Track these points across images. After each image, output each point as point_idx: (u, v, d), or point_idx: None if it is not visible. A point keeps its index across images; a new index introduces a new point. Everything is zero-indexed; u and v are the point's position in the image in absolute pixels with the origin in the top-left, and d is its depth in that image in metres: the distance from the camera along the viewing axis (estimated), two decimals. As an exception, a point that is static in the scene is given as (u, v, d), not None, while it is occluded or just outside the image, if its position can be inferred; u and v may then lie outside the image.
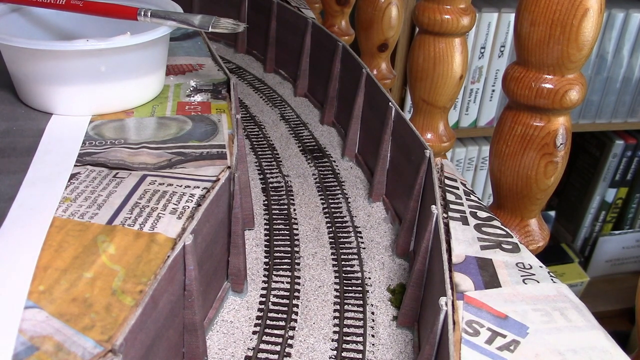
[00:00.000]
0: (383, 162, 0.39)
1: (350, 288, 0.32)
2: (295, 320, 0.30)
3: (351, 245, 0.36)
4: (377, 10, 0.60)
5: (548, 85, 0.34)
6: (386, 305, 0.31)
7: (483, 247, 0.28)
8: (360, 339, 0.29)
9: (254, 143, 0.47)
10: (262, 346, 0.28)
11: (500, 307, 0.24)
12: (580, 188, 1.38)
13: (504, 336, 0.23)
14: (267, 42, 0.60)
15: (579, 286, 1.33)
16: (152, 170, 0.30)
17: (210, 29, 0.35)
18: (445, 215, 0.30)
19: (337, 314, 0.31)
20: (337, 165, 0.44)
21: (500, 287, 0.26)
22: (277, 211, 0.39)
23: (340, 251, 0.36)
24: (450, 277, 0.25)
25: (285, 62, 0.59)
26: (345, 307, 0.31)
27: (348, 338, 0.29)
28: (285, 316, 0.30)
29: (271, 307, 0.31)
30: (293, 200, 0.40)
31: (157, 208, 0.27)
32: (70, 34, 0.43)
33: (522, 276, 0.27)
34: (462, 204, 0.32)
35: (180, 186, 0.29)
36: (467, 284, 0.25)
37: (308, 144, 0.48)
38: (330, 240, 0.36)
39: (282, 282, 0.33)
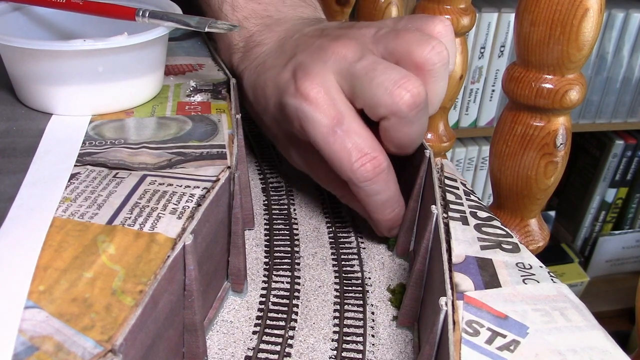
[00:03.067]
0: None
1: (350, 288, 0.32)
2: (295, 320, 0.30)
3: (351, 245, 0.36)
4: (377, 10, 0.60)
5: (548, 85, 0.34)
6: (386, 305, 0.31)
7: (483, 247, 0.28)
8: (360, 339, 0.29)
9: (254, 143, 0.47)
10: (262, 346, 0.28)
11: (500, 307, 0.24)
12: (580, 188, 1.39)
13: (504, 336, 0.23)
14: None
15: (579, 286, 1.33)
16: (152, 170, 0.30)
17: (207, 30, 0.35)
18: (445, 215, 0.30)
19: (337, 314, 0.31)
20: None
21: (500, 287, 0.26)
22: (277, 211, 0.39)
23: (340, 251, 0.36)
24: (450, 277, 0.25)
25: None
26: (345, 307, 0.31)
27: (348, 338, 0.29)
28: (285, 316, 0.30)
29: (271, 307, 0.31)
30: (293, 200, 0.40)
31: (157, 208, 0.27)
32: (71, 34, 0.43)
33: (522, 276, 0.27)
34: (462, 204, 0.32)
35: (180, 186, 0.29)
36: (467, 284, 0.25)
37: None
38: (330, 240, 0.37)
39: (282, 282, 0.33)
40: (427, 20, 0.35)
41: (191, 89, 0.40)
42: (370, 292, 0.32)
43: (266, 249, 0.35)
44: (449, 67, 0.35)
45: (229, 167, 0.30)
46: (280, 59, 0.37)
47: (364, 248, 0.36)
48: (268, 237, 0.36)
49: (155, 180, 0.29)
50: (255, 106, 0.40)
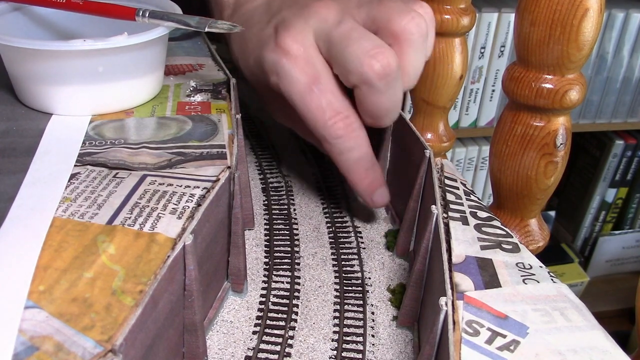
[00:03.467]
0: (383, 162, 0.39)
1: (350, 288, 0.32)
2: (295, 320, 0.30)
3: (351, 246, 0.36)
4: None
5: (548, 85, 0.34)
6: (386, 305, 0.31)
7: (483, 247, 0.28)
8: (360, 339, 0.29)
9: (254, 143, 0.47)
10: (262, 346, 0.28)
11: (500, 307, 0.24)
12: (580, 188, 1.38)
13: (504, 336, 0.23)
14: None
15: (579, 286, 1.33)
16: (152, 170, 0.30)
17: (207, 30, 0.36)
18: (445, 215, 0.30)
19: (337, 314, 0.31)
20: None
21: (500, 287, 0.26)
22: (277, 211, 0.39)
23: (340, 251, 0.36)
24: (450, 277, 0.25)
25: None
26: (345, 307, 0.31)
27: (348, 338, 0.29)
28: (285, 316, 0.30)
29: (271, 307, 0.31)
30: (293, 200, 0.40)
31: (157, 208, 0.27)
32: (71, 34, 0.43)
33: (522, 276, 0.27)
34: (462, 204, 0.32)
35: (180, 186, 0.29)
36: (467, 284, 0.25)
37: (308, 143, 0.48)
38: (330, 240, 0.37)
39: (282, 282, 0.33)
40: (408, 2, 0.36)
41: (191, 89, 0.40)
42: (370, 292, 0.32)
43: (266, 249, 0.35)
44: (429, 40, 0.36)
45: (229, 167, 0.30)
46: (266, 16, 0.38)
47: (364, 248, 0.36)
48: (268, 237, 0.36)
49: (155, 180, 0.29)
50: (240, 61, 0.41)
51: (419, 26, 0.33)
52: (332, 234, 0.37)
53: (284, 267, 0.34)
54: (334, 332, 0.29)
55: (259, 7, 0.40)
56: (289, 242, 0.36)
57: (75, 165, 0.30)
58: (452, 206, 0.31)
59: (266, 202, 0.40)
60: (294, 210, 0.39)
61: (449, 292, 0.24)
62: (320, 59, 0.34)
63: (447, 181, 0.34)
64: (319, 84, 0.33)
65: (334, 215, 0.39)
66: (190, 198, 0.28)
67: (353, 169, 0.35)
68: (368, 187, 0.35)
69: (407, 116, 0.38)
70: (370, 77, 0.32)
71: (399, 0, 0.35)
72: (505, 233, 0.30)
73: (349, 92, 0.35)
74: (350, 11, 0.35)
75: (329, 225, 0.38)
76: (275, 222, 0.38)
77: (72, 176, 0.29)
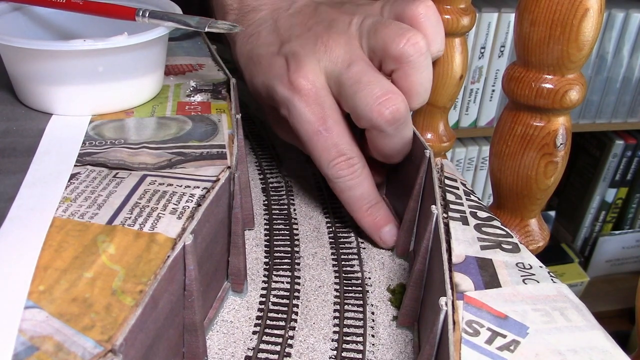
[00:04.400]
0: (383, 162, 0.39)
1: (350, 288, 0.32)
2: (295, 320, 0.30)
3: (351, 245, 0.36)
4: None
5: (548, 85, 0.34)
6: (386, 305, 0.31)
7: (483, 247, 0.28)
8: (360, 339, 0.29)
9: (254, 143, 0.47)
10: (262, 346, 0.28)
11: (500, 307, 0.24)
12: (580, 188, 1.38)
13: (504, 336, 0.23)
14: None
15: (579, 286, 1.33)
16: (152, 170, 0.30)
17: (207, 30, 0.36)
18: (445, 215, 0.30)
19: (337, 314, 0.31)
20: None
21: (500, 287, 0.26)
22: (277, 211, 0.39)
23: (340, 251, 0.36)
24: (450, 277, 0.25)
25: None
26: (345, 307, 0.31)
27: (348, 338, 0.29)
28: (285, 316, 0.30)
29: (271, 307, 0.31)
30: (293, 200, 0.40)
31: (157, 208, 0.27)
32: (71, 34, 0.43)
33: (522, 276, 0.27)
34: (462, 204, 0.32)
35: (180, 186, 0.29)
36: (467, 284, 0.25)
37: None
38: (330, 240, 0.37)
39: (282, 282, 0.33)
40: (409, 3, 0.36)
41: (191, 89, 0.40)
42: (370, 292, 0.32)
43: (266, 249, 0.35)
44: (436, 47, 0.37)
45: (229, 167, 0.30)
46: (275, 37, 0.39)
47: (364, 248, 0.36)
48: (268, 237, 0.36)
49: (155, 180, 0.29)
50: (246, 75, 0.41)
51: (415, 46, 0.34)
52: (332, 234, 0.37)
53: (284, 267, 0.34)
54: (334, 332, 0.29)
55: (265, 22, 0.40)
56: (289, 242, 0.36)
57: (75, 165, 0.30)
58: (452, 206, 0.31)
59: (266, 202, 0.40)
60: (294, 210, 0.39)
61: (449, 292, 0.24)
62: (330, 100, 0.35)
63: (447, 181, 0.34)
64: (326, 126, 0.34)
65: (334, 215, 0.39)
66: (190, 198, 0.28)
67: (355, 206, 0.36)
68: (373, 224, 0.36)
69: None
70: (380, 123, 0.33)
71: (392, 22, 0.35)
72: (505, 233, 0.30)
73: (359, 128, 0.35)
74: (356, 43, 0.35)
75: (329, 225, 0.38)
76: (275, 222, 0.38)
77: (72, 176, 0.29)
